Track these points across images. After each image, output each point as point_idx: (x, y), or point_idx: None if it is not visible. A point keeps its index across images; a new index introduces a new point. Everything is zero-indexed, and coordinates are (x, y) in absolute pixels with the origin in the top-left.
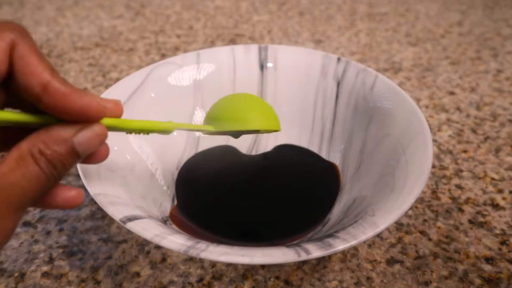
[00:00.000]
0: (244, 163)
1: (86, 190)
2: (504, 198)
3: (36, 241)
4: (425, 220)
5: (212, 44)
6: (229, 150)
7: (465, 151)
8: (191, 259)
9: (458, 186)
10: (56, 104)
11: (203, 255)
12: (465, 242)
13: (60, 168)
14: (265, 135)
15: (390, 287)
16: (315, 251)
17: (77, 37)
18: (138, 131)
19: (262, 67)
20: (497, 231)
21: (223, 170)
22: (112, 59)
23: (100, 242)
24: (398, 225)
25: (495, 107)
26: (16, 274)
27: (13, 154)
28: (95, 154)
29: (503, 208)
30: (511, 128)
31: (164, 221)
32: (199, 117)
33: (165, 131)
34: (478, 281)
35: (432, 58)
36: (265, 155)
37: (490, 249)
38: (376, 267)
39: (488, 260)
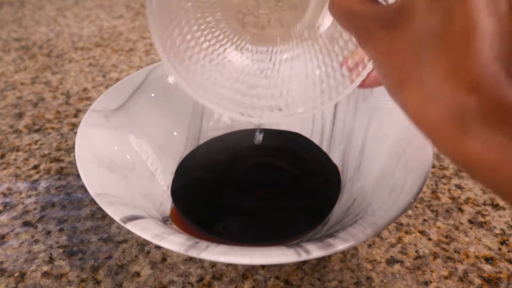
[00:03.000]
0: (244, 159)
1: (86, 190)
2: None
3: (36, 241)
4: (425, 220)
5: None
6: (230, 142)
7: None
8: (191, 259)
9: (458, 186)
10: None
11: (203, 255)
12: (465, 242)
13: None
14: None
15: (390, 287)
16: (315, 251)
17: (77, 37)
18: None
19: None
20: (497, 231)
21: (223, 166)
22: (112, 59)
23: (100, 242)
24: (398, 225)
25: None
26: (16, 274)
27: None
28: None
29: (503, 208)
30: None
31: (164, 221)
32: (198, 117)
33: None
34: (478, 281)
35: None
36: (267, 148)
37: (490, 249)
38: (376, 267)
39: (488, 260)
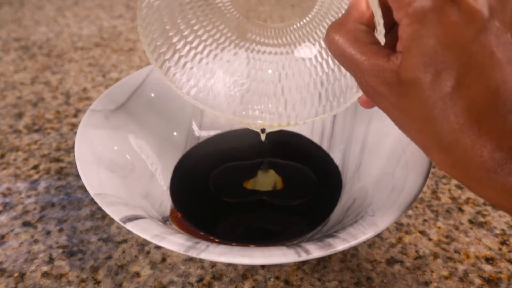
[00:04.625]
0: (244, 158)
1: (86, 190)
2: None
3: (36, 241)
4: (425, 220)
5: None
6: (229, 141)
7: None
8: (191, 259)
9: (458, 186)
10: None
11: (203, 255)
12: (465, 242)
13: None
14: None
15: (390, 287)
16: (315, 251)
17: (77, 37)
18: None
19: None
20: (497, 231)
21: (222, 165)
22: (112, 59)
23: (100, 242)
24: (398, 225)
25: None
26: (16, 274)
27: None
28: None
29: None
30: None
31: (164, 221)
32: (198, 117)
33: None
34: (478, 281)
35: None
36: (268, 146)
37: (490, 249)
38: (376, 267)
39: (488, 260)
